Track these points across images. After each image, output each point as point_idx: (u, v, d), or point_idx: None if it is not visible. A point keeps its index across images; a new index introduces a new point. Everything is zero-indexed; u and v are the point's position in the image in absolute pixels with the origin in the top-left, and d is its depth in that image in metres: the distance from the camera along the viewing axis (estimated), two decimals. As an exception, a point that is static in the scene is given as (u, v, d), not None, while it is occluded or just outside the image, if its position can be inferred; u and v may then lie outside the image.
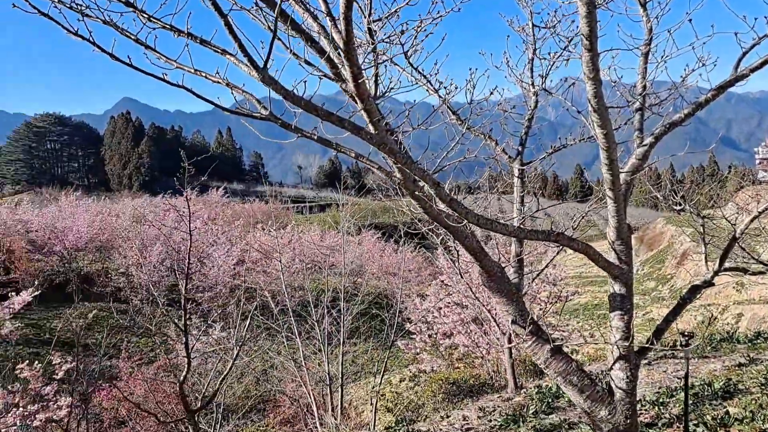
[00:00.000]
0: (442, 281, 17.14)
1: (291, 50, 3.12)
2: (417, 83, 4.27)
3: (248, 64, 2.74)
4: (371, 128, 3.10)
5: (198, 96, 2.77)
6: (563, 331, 14.27)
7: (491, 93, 4.22)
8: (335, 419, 10.86)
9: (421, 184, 3.32)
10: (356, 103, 3.04)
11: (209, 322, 19.24)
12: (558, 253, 6.76)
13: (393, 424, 9.86)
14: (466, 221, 3.45)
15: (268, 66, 2.75)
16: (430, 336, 16.21)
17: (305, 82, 2.80)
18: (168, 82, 2.64)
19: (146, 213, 45.33)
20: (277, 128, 3.08)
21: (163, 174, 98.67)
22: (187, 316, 6.62)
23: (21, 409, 3.37)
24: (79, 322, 26.58)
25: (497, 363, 13.29)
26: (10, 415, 3.34)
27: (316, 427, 10.86)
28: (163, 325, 24.01)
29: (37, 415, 3.36)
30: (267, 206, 64.09)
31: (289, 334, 11.11)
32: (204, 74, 2.77)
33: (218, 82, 2.79)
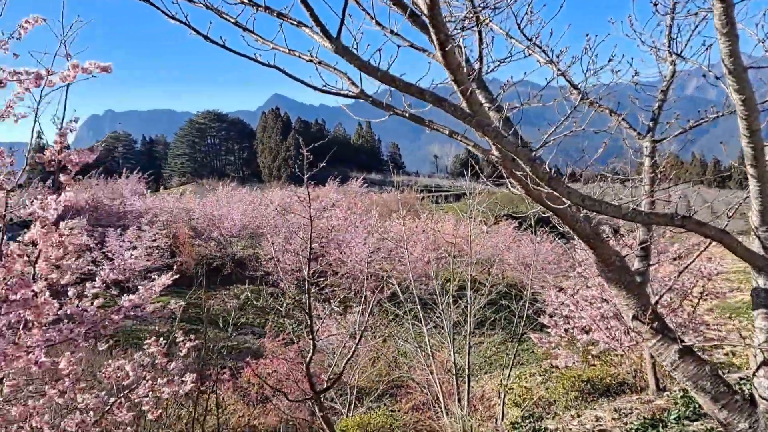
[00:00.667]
0: (580, 273, 16.28)
1: (374, 19, 3.08)
2: (529, 53, 4.04)
3: (321, 34, 2.73)
4: (464, 103, 3.00)
5: (289, 75, 2.83)
6: (719, 330, 12.88)
7: (609, 61, 3.87)
8: (462, 410, 10.83)
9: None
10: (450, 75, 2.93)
11: (332, 307, 20.09)
12: (709, 244, 6.09)
13: (519, 420, 9.61)
14: (569, 203, 3.21)
15: (341, 35, 2.72)
16: (566, 330, 15.52)
17: (380, 50, 2.73)
18: (260, 62, 2.74)
19: (291, 203, 48.43)
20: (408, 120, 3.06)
21: (310, 166, 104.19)
22: (311, 300, 6.96)
23: (150, 382, 3.77)
24: (232, 302, 29.20)
25: (640, 362, 12.37)
26: (140, 387, 3.74)
27: (443, 417, 10.91)
28: (302, 310, 25.57)
29: (164, 388, 3.73)
30: (403, 195, 65.30)
31: (416, 323, 11.25)
32: (297, 53, 2.83)
33: (311, 61, 2.83)
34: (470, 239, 12.21)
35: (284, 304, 26.79)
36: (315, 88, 2.90)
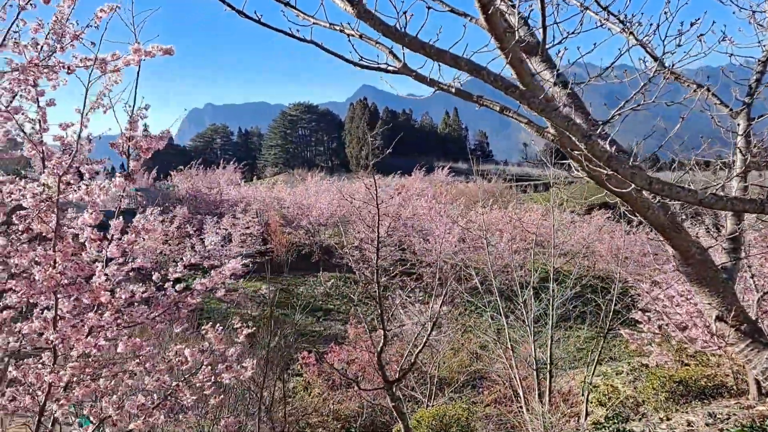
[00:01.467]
0: (676, 266, 15.33)
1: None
2: (603, 23, 3.76)
3: (342, -3, 2.62)
4: (513, 74, 2.84)
5: (327, 50, 2.76)
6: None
7: (692, 25, 3.50)
8: (542, 406, 10.56)
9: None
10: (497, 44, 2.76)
11: (408, 297, 20.11)
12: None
13: (603, 420, 9.22)
14: (633, 186, 2.96)
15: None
16: (659, 327, 14.68)
17: (406, 13, 2.59)
18: (297, 38, 2.68)
19: (378, 191, 48.95)
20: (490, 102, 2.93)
21: (394, 155, 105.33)
22: (381, 288, 7.02)
23: (209, 367, 3.96)
24: (319, 288, 30.05)
25: (742, 364, 11.48)
26: (199, 373, 3.93)
27: (524, 412, 10.70)
28: (389, 296, 25.87)
29: (224, 374, 3.90)
30: (490, 185, 64.15)
31: (495, 314, 11.06)
32: (338, 27, 2.76)
33: (351, 35, 2.77)
34: (554, 229, 11.78)
35: (364, 292, 27.24)
36: (353, 63, 2.79)
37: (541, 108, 2.77)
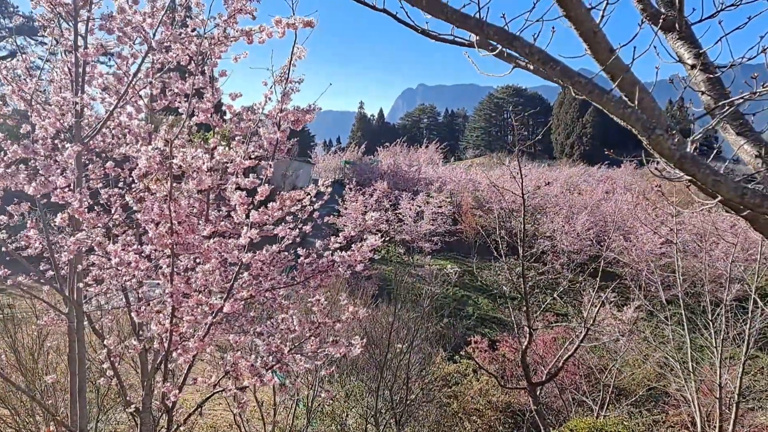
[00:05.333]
0: None
1: None
2: None
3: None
4: (587, 49, 2.35)
5: (399, 20, 2.53)
6: None
7: None
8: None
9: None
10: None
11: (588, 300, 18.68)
12: None
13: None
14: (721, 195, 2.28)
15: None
16: None
17: None
18: (367, 5, 2.49)
19: (579, 182, 46.30)
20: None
21: (604, 145, 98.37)
22: (527, 285, 6.62)
23: (316, 339, 4.11)
24: (504, 274, 29.58)
25: None
26: (308, 344, 4.09)
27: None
28: (579, 293, 24.50)
29: (330, 349, 4.02)
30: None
31: (677, 327, 9.77)
32: None
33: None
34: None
35: (557, 285, 26.08)
36: (424, 33, 2.52)
37: (588, 89, 2.29)
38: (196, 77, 4.27)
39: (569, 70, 2.37)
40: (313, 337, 4.13)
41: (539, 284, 22.31)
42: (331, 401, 10.48)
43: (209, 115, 4.30)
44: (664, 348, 11.54)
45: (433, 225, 30.07)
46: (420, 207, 30.70)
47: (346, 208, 28.11)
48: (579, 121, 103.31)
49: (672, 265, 24.39)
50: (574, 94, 2.44)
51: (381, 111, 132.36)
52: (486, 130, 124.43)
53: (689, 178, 2.40)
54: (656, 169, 2.59)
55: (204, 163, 3.47)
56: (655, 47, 2.48)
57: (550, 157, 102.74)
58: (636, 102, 2.40)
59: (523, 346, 7.17)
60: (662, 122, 2.41)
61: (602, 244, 30.49)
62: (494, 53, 2.46)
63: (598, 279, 8.86)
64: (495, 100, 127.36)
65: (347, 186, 29.80)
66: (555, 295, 10.70)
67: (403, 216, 30.40)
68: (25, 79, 4.64)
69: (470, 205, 34.91)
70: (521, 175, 5.92)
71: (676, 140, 2.31)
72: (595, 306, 17.79)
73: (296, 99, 4.05)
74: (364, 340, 4.12)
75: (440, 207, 31.13)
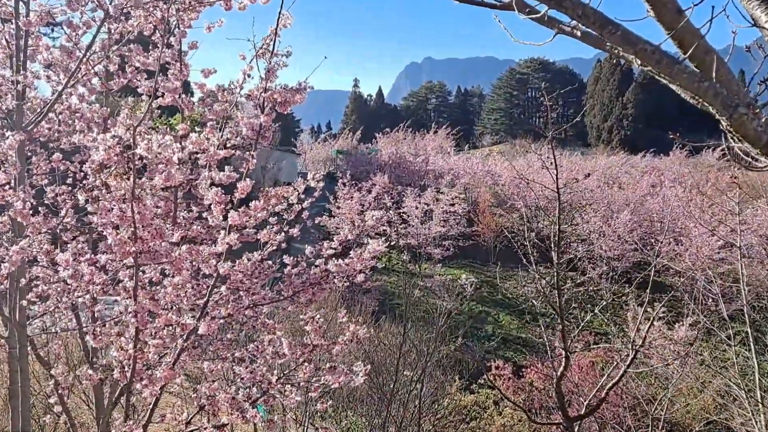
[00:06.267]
0: None
1: None
2: None
3: None
4: (650, 10, 2.31)
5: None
6: None
7: None
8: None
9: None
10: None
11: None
12: None
13: None
14: None
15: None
16: None
17: None
18: None
19: (619, 174, 46.34)
20: None
21: (649, 128, 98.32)
22: (562, 299, 6.61)
23: (310, 365, 4.10)
24: (530, 286, 29.64)
25: None
26: (300, 372, 4.08)
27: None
28: (621, 307, 24.50)
29: (327, 377, 4.01)
30: (783, 175, 56.54)
31: (742, 348, 9.74)
32: None
33: None
34: None
35: (594, 298, 26.07)
36: (489, 7, 2.49)
37: (656, 59, 2.25)
38: (162, 50, 4.26)
39: (632, 35, 2.34)
40: (306, 363, 4.12)
41: (576, 297, 22.28)
42: (325, 440, 10.47)
43: (177, 96, 4.28)
44: (726, 374, 11.50)
45: (444, 227, 30.10)
46: (428, 205, 30.75)
47: (339, 207, 28.13)
48: (618, 100, 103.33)
49: (734, 273, 24.37)
50: (637, 66, 2.41)
51: (380, 90, 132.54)
52: (507, 111, 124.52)
53: None
54: (732, 154, 2.57)
55: (174, 154, 3.46)
56: (724, 9, 2.46)
57: (584, 144, 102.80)
58: (714, 74, 2.37)
59: (558, 373, 7.16)
60: (743, 99, 2.37)
61: (648, 248, 30.46)
62: (534, 17, 2.44)
63: (648, 291, 8.84)
64: (517, 76, 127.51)
65: (340, 180, 29.83)
66: (596, 311, 10.68)
67: (408, 216, 30.42)
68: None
69: (489, 203, 34.94)
70: (556, 165, 5.88)
71: (763, 120, 2.27)
72: (644, 323, 17.81)
73: (282, 76, 4.04)
74: (368, 367, 4.11)
75: (452, 205, 31.17)
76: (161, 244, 3.72)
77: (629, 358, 8.03)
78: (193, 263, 4.03)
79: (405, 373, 10.82)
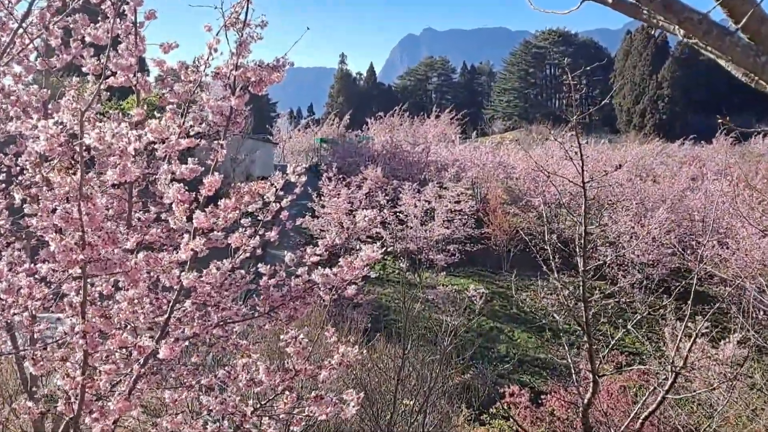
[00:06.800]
0: None
1: None
2: None
3: None
4: None
5: None
6: None
7: None
8: None
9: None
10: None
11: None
12: None
13: None
14: None
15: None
16: None
17: None
18: None
19: (654, 164, 46.48)
20: None
21: (688, 111, 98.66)
22: (589, 313, 6.61)
23: (292, 394, 4.09)
24: (550, 298, 29.68)
25: None
26: (280, 402, 4.08)
27: None
28: (658, 322, 24.55)
29: (313, 408, 4.00)
30: None
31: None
32: None
33: None
34: None
35: (625, 310, 26.11)
36: None
37: (704, 30, 2.24)
38: (113, 21, 4.23)
39: (675, 2, 2.34)
40: (287, 391, 4.11)
41: (605, 311, 22.30)
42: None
43: (131, 75, 4.26)
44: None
45: (448, 228, 30.10)
46: (429, 203, 30.73)
47: (324, 206, 28.12)
48: (652, 78, 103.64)
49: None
50: (680, 37, 2.40)
51: (371, 67, 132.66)
52: (521, 92, 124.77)
53: None
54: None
55: (129, 144, 3.44)
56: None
57: (612, 130, 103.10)
58: (772, 47, 2.36)
59: (585, 400, 7.17)
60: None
61: (689, 252, 30.54)
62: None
63: (689, 303, 8.84)
64: (533, 50, 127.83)
65: (325, 174, 29.79)
66: (628, 327, 10.65)
67: (406, 216, 30.42)
68: None
69: (501, 200, 34.98)
70: (581, 155, 5.83)
71: None
72: (685, 341, 17.88)
73: (256, 51, 4.02)
74: (361, 395, 4.10)
75: (458, 202, 31.17)
76: (114, 251, 3.69)
77: (668, 383, 8.04)
78: (152, 274, 4.01)
79: (404, 402, 10.79)
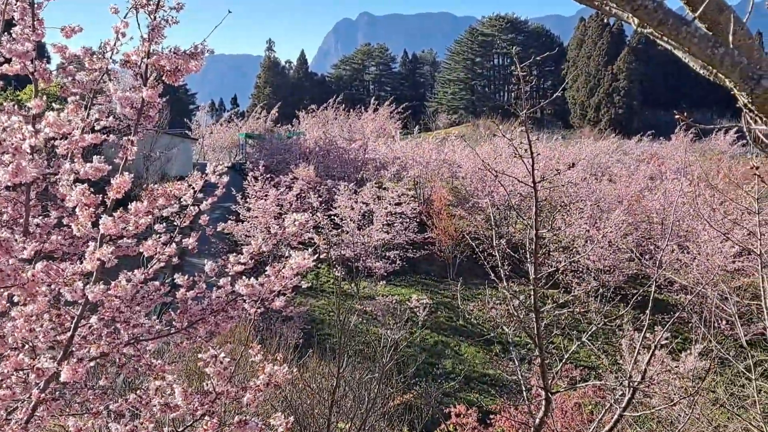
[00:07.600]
0: None
1: None
2: None
3: None
4: None
5: None
6: None
7: None
8: None
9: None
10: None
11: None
12: None
13: None
14: None
15: None
16: None
17: None
18: None
19: (610, 163, 47.44)
20: None
21: (646, 105, 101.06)
22: (541, 324, 6.72)
23: (212, 419, 4.07)
24: (500, 308, 30.01)
25: None
26: (200, 428, 4.06)
27: None
28: (614, 333, 25.05)
29: None
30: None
31: (766, 382, 10.10)
32: None
33: None
34: None
35: (579, 321, 26.58)
36: None
37: (659, 20, 2.33)
38: (7, 2, 4.14)
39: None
40: (207, 417, 4.07)
41: (558, 322, 22.62)
42: None
43: (29, 62, 4.17)
44: (746, 415, 11.86)
45: (388, 233, 30.16)
46: (367, 205, 30.74)
47: (249, 209, 27.89)
48: (608, 69, 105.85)
49: (753, 288, 25.24)
50: (635, 27, 2.46)
51: (302, 55, 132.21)
52: (467, 83, 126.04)
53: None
54: (751, 138, 2.66)
55: (25, 140, 3.36)
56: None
57: (565, 125, 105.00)
58: (731, 38, 2.43)
59: (537, 420, 7.24)
60: (749, 69, 2.44)
61: (647, 257, 31.20)
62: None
63: (648, 313, 9.04)
64: (480, 38, 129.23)
65: (251, 174, 29.60)
66: (583, 339, 10.79)
67: (342, 220, 30.40)
68: None
69: (446, 201, 35.19)
70: (531, 153, 5.85)
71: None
72: (643, 353, 18.25)
73: (171, 36, 3.98)
74: (290, 419, 4.09)
75: (399, 204, 31.27)
76: (8, 261, 3.61)
77: (625, 399, 8.19)
78: (52, 286, 3.93)
79: (339, 425, 10.78)
